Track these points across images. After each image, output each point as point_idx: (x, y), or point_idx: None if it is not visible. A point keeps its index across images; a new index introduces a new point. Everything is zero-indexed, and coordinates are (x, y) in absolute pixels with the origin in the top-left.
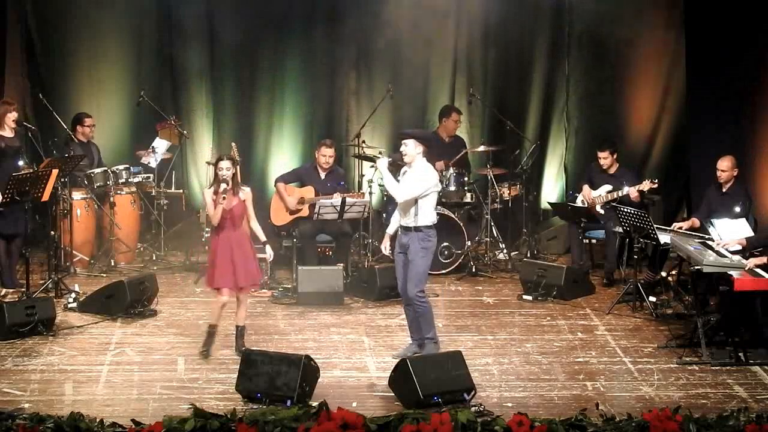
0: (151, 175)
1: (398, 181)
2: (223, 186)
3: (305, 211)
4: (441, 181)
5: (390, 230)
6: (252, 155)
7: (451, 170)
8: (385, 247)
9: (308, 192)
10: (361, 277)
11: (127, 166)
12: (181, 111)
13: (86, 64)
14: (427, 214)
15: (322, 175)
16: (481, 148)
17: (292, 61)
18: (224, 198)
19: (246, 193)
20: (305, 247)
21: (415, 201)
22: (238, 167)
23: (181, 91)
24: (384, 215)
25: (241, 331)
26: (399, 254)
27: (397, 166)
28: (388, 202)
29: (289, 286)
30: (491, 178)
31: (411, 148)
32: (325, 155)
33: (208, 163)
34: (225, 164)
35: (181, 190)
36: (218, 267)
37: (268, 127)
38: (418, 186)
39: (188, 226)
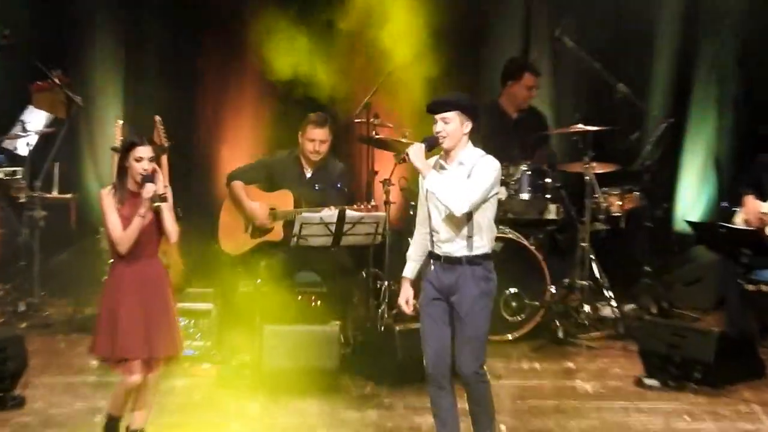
0: (19, 169)
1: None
2: (149, 188)
3: (277, 232)
4: (506, 184)
5: (409, 273)
6: (191, 138)
7: (523, 167)
8: (407, 301)
9: (283, 199)
10: (371, 343)
11: None
12: (72, 64)
13: None
14: (487, 234)
15: (308, 171)
16: (575, 129)
17: None
18: (156, 205)
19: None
20: (277, 292)
21: (469, 213)
22: (165, 157)
23: (73, 32)
24: (411, 240)
25: None
26: (435, 302)
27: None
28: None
29: (248, 357)
30: (592, 180)
31: (455, 126)
32: (314, 139)
33: (115, 150)
34: (144, 152)
35: (69, 195)
36: (123, 324)
37: (220, 95)
38: (479, 185)
39: (80, 255)
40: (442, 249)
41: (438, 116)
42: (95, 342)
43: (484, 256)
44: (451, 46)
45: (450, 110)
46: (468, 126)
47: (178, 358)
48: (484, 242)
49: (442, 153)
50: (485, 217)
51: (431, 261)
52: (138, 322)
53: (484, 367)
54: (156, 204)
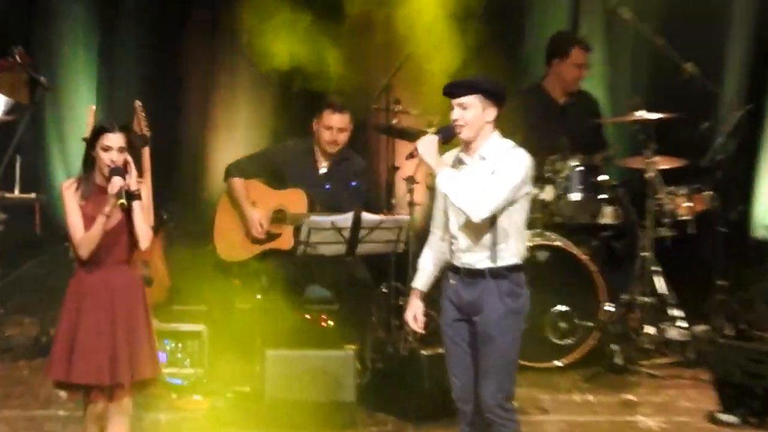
0: None
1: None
2: (116, 183)
3: (286, 239)
4: (553, 182)
5: (419, 284)
6: (178, 128)
7: (573, 162)
8: (414, 317)
9: (293, 199)
10: (392, 371)
11: None
12: (36, 39)
13: None
14: (516, 242)
15: (323, 166)
16: (635, 117)
17: None
18: (121, 202)
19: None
20: (282, 311)
21: (493, 217)
22: (147, 149)
23: (37, 2)
24: None
25: None
26: (457, 324)
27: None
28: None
29: (246, 388)
30: (655, 177)
31: (476, 112)
32: (332, 127)
33: (86, 141)
34: (114, 140)
35: (33, 195)
36: (82, 342)
37: (211, 76)
38: (504, 184)
39: (47, 266)
40: (462, 260)
41: (455, 101)
42: (50, 362)
43: (512, 268)
44: (486, 21)
45: (469, 94)
46: (491, 113)
47: (155, 383)
48: (511, 251)
49: (462, 146)
50: (513, 222)
51: (450, 274)
52: (100, 340)
53: (513, 403)
54: (121, 201)
